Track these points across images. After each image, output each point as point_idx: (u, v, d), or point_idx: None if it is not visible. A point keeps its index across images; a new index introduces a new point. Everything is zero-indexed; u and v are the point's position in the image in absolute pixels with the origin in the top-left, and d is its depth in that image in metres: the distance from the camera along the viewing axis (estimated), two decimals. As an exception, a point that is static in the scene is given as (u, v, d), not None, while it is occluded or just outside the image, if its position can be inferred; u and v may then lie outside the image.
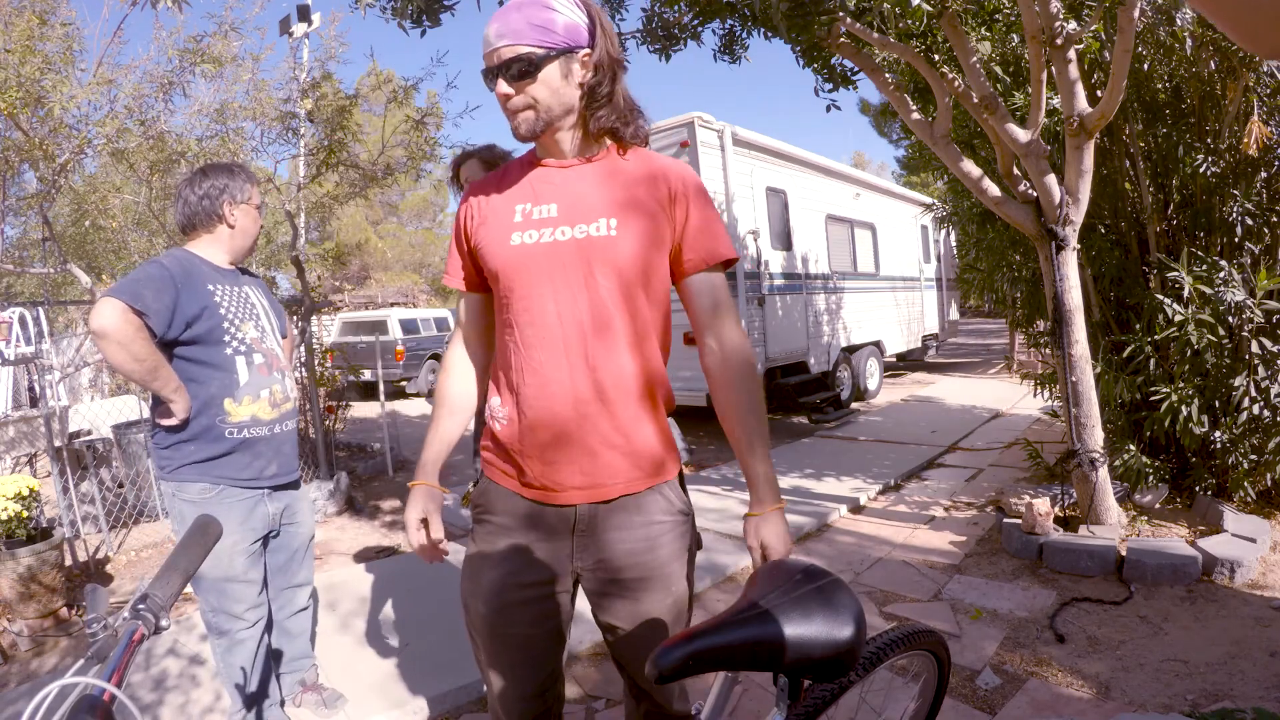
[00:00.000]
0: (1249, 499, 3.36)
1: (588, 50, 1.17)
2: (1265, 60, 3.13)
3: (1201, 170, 3.43)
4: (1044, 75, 2.92)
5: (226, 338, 1.88)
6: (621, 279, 1.19)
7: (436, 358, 12.23)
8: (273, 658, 2.08)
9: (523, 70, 1.14)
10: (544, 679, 1.31)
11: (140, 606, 0.89)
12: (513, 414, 1.23)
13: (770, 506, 1.23)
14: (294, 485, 2.06)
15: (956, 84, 3.16)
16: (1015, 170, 3.32)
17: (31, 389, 6.33)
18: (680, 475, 1.33)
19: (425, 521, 1.29)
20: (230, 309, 1.92)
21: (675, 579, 1.26)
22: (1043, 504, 3.34)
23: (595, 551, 1.24)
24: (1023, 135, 3.08)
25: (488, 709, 2.35)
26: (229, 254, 2.00)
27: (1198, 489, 3.52)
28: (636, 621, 1.25)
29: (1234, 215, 3.43)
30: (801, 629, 0.93)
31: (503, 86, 1.15)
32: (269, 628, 2.02)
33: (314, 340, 5.55)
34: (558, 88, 1.16)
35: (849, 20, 3.02)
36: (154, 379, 1.75)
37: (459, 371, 1.38)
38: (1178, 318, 3.24)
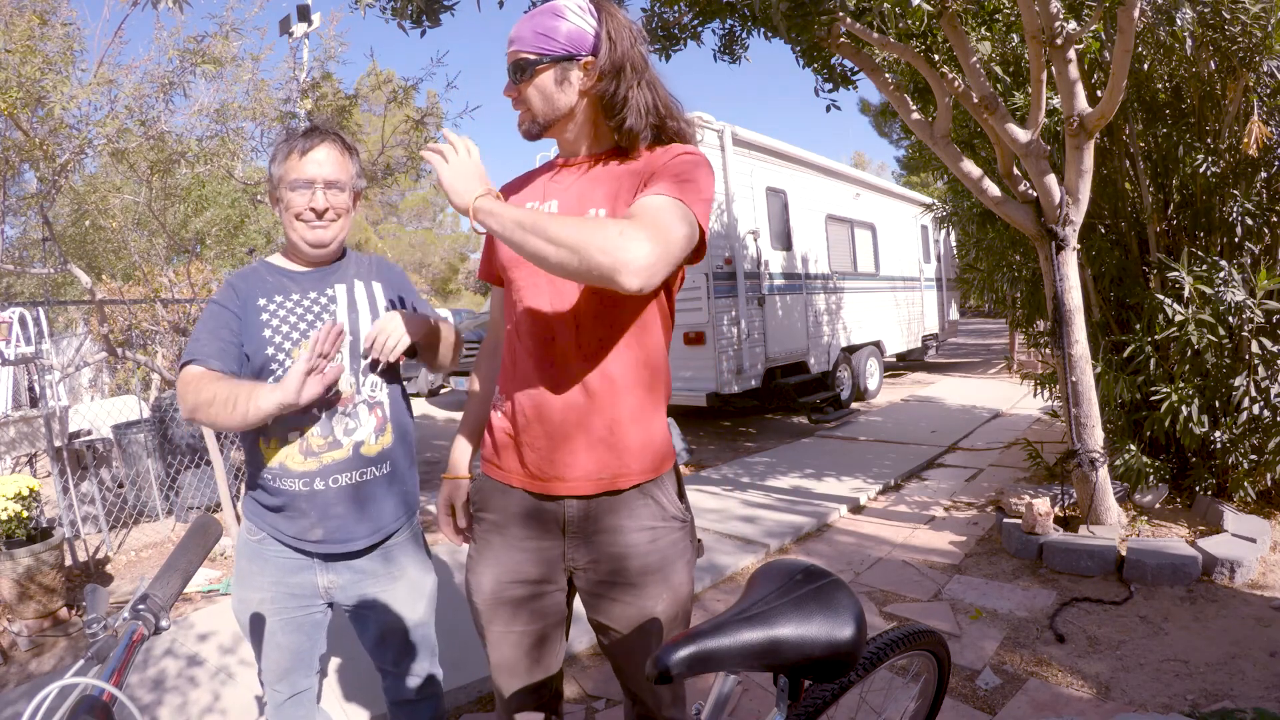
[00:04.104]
0: (1249, 499, 3.36)
1: (590, 57, 1.18)
2: (1265, 60, 3.13)
3: (1201, 170, 3.43)
4: (1044, 75, 2.92)
5: (274, 365, 1.45)
6: None
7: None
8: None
9: (521, 74, 1.21)
10: (541, 674, 1.33)
11: (140, 607, 0.89)
12: (509, 403, 1.27)
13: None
14: (358, 556, 1.52)
15: (956, 84, 3.16)
16: (1015, 170, 3.32)
17: (31, 389, 6.32)
18: (678, 478, 1.32)
19: (453, 508, 1.41)
20: (283, 325, 1.48)
21: (670, 583, 1.26)
22: (1043, 504, 3.34)
23: (588, 550, 1.24)
24: (1023, 135, 3.08)
25: (494, 706, 2.37)
26: (295, 253, 1.56)
27: (1198, 489, 3.52)
28: (628, 624, 1.25)
29: (1234, 215, 3.43)
30: (801, 629, 0.93)
31: (508, 88, 1.25)
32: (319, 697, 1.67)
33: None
34: (551, 93, 1.21)
35: (849, 20, 3.02)
36: (236, 407, 1.30)
37: (485, 366, 1.46)
38: (1178, 318, 3.24)
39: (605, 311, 1.20)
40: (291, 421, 1.44)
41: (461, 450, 1.44)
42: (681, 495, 1.32)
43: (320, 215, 1.48)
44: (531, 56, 1.19)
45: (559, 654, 1.36)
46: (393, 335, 1.48)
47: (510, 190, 1.37)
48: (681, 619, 1.30)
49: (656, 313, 1.25)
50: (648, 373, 1.24)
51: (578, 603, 1.34)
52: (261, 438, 1.46)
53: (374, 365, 1.53)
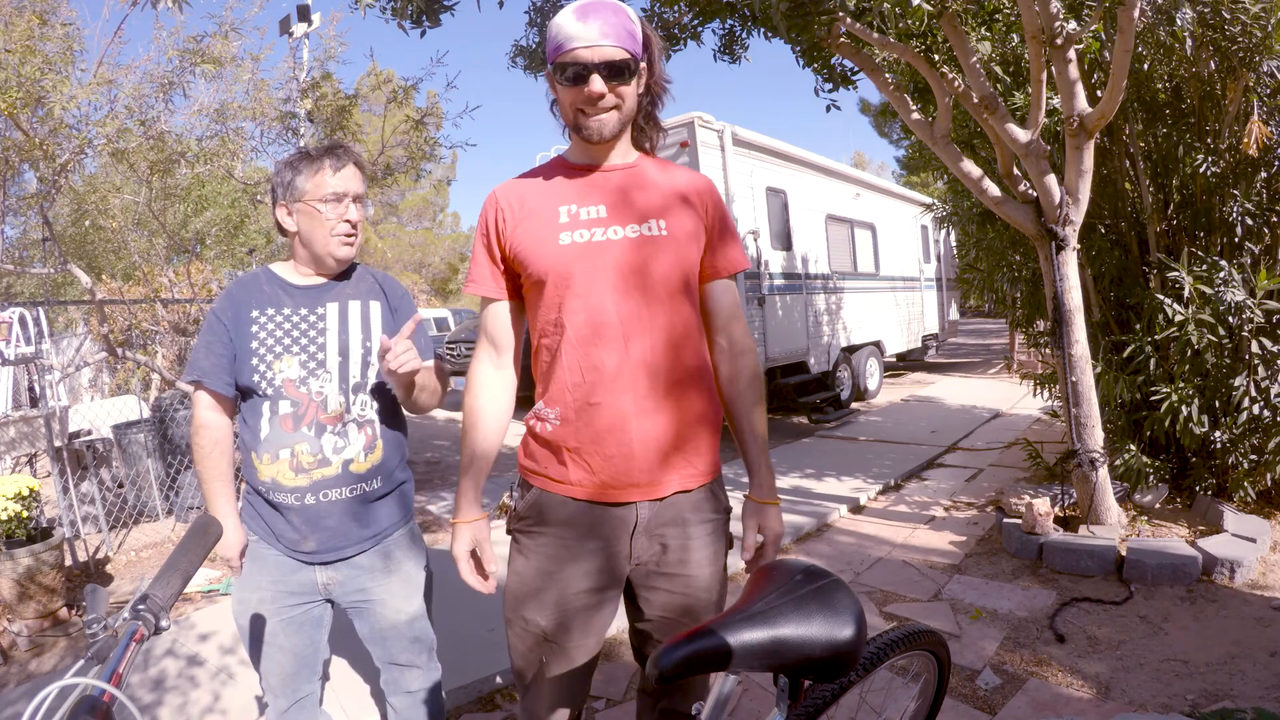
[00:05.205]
0: (1249, 499, 3.36)
1: (645, 65, 1.23)
2: (1265, 60, 3.13)
3: (1201, 170, 3.43)
4: (1044, 75, 2.91)
5: (255, 377, 1.49)
6: (675, 277, 1.23)
7: (438, 357, 12.11)
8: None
9: (622, 73, 1.16)
10: (585, 682, 1.33)
11: (140, 607, 0.89)
12: (566, 413, 1.21)
13: (772, 499, 1.35)
14: (353, 558, 1.55)
15: (956, 84, 3.16)
16: (1015, 170, 3.32)
17: (31, 389, 6.32)
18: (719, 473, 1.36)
19: (474, 554, 1.30)
20: (269, 338, 1.50)
21: (716, 570, 1.31)
22: (1043, 504, 3.34)
23: (650, 546, 1.25)
24: (1023, 135, 3.08)
25: (494, 706, 2.36)
26: (304, 265, 1.57)
27: (1198, 489, 3.52)
28: (677, 610, 1.27)
29: (1234, 215, 3.43)
30: (801, 629, 0.93)
31: (598, 84, 1.15)
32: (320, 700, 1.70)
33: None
34: (636, 94, 1.23)
35: (849, 20, 3.02)
36: (205, 490, 1.54)
37: (491, 389, 1.32)
38: (1178, 318, 3.24)
39: (667, 316, 1.22)
40: (285, 438, 1.48)
41: (473, 488, 1.30)
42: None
43: (354, 226, 1.54)
44: (634, 58, 1.17)
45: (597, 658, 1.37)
46: (409, 353, 1.43)
47: (526, 189, 1.28)
48: (720, 605, 1.32)
49: (698, 317, 1.30)
50: (706, 372, 1.28)
51: None
52: (254, 452, 1.50)
53: (370, 385, 1.56)
